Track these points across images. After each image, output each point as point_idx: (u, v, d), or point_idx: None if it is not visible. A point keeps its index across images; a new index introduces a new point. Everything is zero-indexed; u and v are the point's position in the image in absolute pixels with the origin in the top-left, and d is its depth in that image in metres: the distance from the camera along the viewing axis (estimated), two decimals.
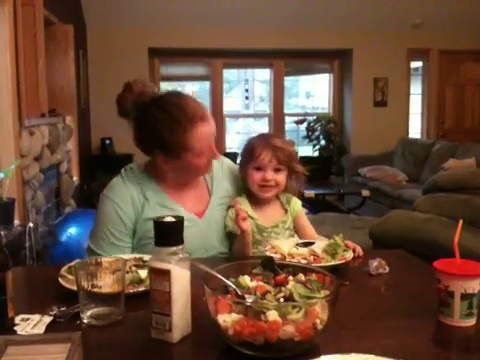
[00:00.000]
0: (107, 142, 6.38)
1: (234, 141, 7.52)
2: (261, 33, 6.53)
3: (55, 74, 4.53)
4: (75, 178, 5.25)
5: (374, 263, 1.38)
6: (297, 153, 1.74)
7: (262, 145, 1.65)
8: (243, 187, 1.73)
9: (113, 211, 1.57)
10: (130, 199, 1.57)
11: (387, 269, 1.39)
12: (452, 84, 7.38)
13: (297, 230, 1.72)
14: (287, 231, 1.68)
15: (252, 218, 1.65)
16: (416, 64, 7.56)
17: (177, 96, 1.57)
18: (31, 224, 3.16)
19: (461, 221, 1.13)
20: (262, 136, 1.72)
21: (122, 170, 1.66)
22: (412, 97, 7.50)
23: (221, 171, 1.76)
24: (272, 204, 1.72)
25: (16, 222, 3.23)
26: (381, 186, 5.98)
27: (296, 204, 1.74)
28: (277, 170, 1.65)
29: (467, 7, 6.46)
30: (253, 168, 1.66)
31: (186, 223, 1.54)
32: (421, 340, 1.01)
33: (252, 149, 1.66)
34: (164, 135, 1.50)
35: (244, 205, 1.66)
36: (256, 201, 1.70)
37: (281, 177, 1.67)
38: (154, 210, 1.54)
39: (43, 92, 3.90)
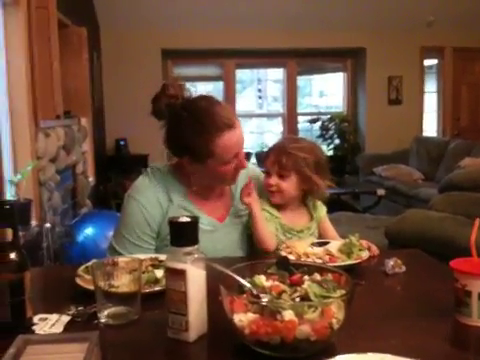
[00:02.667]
0: (122, 143, 6.42)
1: (247, 141, 7.52)
2: (274, 33, 6.52)
3: (69, 76, 4.57)
4: (91, 179, 5.29)
5: (390, 262, 1.38)
6: (319, 161, 1.62)
7: (273, 148, 1.64)
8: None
9: (139, 212, 1.56)
10: (156, 201, 1.57)
11: (403, 268, 1.38)
12: (467, 82, 7.31)
13: (319, 233, 1.70)
14: (312, 237, 1.65)
15: (275, 216, 1.64)
16: (430, 62, 7.49)
17: (206, 101, 1.53)
18: (48, 225, 3.19)
19: (478, 220, 1.12)
20: (283, 139, 1.70)
21: (148, 169, 1.65)
22: (427, 95, 7.43)
23: (246, 178, 1.72)
24: (298, 209, 1.69)
25: (33, 223, 3.26)
26: (396, 185, 5.94)
27: (321, 210, 1.72)
28: (282, 176, 1.61)
29: None
30: (263, 171, 1.67)
31: (207, 227, 1.57)
32: (438, 340, 1.00)
33: (268, 149, 1.67)
34: (191, 140, 1.49)
35: (265, 205, 1.64)
36: (282, 204, 1.66)
37: (286, 184, 1.61)
38: (177, 212, 1.53)
39: (58, 94, 3.93)
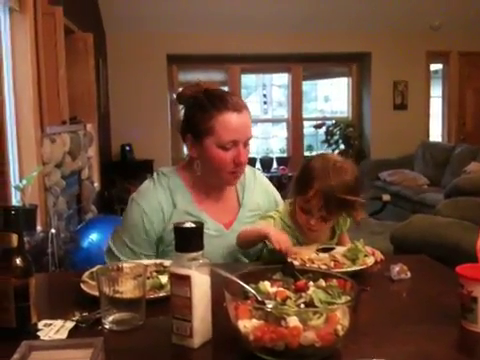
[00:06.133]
0: (127, 148, 6.44)
1: (252, 146, 7.50)
2: (278, 38, 6.54)
3: (75, 82, 4.59)
4: (96, 184, 5.30)
5: (396, 268, 1.37)
6: (360, 189, 1.51)
7: (319, 186, 1.45)
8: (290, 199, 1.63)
9: (139, 218, 1.57)
10: (159, 207, 1.57)
11: (409, 274, 1.37)
12: (473, 87, 7.28)
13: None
14: (317, 243, 1.58)
15: (294, 230, 1.58)
16: (436, 67, 7.48)
17: (224, 90, 1.65)
18: (53, 230, 3.20)
19: None
20: (326, 171, 1.47)
21: (154, 174, 1.66)
22: (432, 100, 7.42)
23: (254, 185, 1.73)
24: None
25: (38, 228, 3.27)
26: (402, 190, 5.91)
27: (346, 224, 1.65)
28: (325, 218, 1.51)
29: None
30: (300, 206, 1.52)
31: (213, 233, 1.56)
32: (444, 346, 1.00)
33: (308, 182, 1.48)
34: (197, 115, 1.55)
35: (288, 220, 1.59)
36: None
37: (327, 225, 1.55)
38: (181, 218, 1.52)
39: (64, 100, 3.95)
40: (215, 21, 6.26)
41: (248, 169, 1.76)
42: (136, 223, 1.57)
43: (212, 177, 1.60)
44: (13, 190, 3.11)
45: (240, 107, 1.55)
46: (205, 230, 1.00)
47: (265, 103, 7.70)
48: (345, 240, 1.69)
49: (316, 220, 1.51)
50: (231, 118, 1.52)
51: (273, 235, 1.42)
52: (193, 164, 1.63)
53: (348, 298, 0.96)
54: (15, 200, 3.12)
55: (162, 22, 6.19)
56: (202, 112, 1.54)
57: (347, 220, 1.65)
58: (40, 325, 1.06)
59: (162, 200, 1.58)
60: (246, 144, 1.57)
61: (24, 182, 3.06)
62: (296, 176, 1.58)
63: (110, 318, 1.07)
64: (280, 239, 1.40)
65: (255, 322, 0.91)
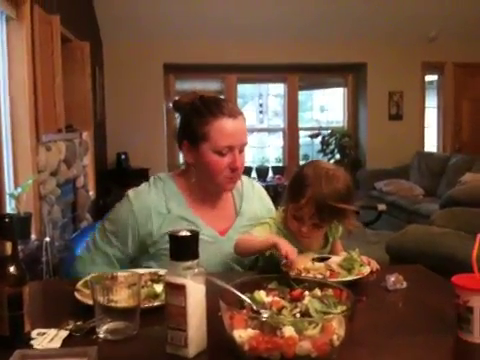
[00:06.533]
0: (123, 157, 6.43)
1: (248, 155, 7.52)
2: (275, 48, 6.57)
3: (72, 90, 4.59)
4: (91, 193, 5.29)
5: (391, 278, 1.37)
6: (352, 197, 1.51)
7: (312, 194, 1.44)
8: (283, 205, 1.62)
9: (126, 215, 1.59)
10: (149, 210, 1.58)
11: (405, 284, 1.37)
12: (468, 97, 7.33)
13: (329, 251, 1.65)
14: (312, 253, 1.56)
15: (289, 238, 1.56)
16: (431, 77, 7.53)
17: (222, 98, 1.68)
18: (48, 238, 3.18)
19: (479, 235, 1.12)
20: (318, 179, 1.46)
21: (151, 178, 1.67)
22: (427, 110, 7.46)
23: (252, 194, 1.74)
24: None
25: (33, 236, 3.25)
26: (397, 200, 5.93)
27: (338, 231, 1.65)
28: (318, 225, 1.51)
29: None
30: (292, 214, 1.52)
31: (207, 239, 1.55)
32: (440, 357, 0.99)
33: (300, 189, 1.47)
34: (193, 120, 1.57)
35: (282, 227, 1.58)
36: None
37: (320, 232, 1.55)
38: (175, 223, 1.53)
39: (60, 108, 3.95)
40: (212, 31, 6.29)
41: (246, 179, 1.76)
42: (122, 218, 1.59)
43: (208, 183, 1.61)
44: (8, 198, 3.09)
45: (235, 113, 1.56)
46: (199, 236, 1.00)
47: (261, 112, 7.73)
48: (338, 248, 1.68)
49: (308, 227, 1.51)
50: (227, 124, 1.53)
51: (281, 243, 1.41)
52: (189, 171, 1.63)
53: (344, 308, 0.96)
54: (10, 208, 3.10)
55: (159, 31, 6.22)
56: (198, 118, 1.55)
57: (339, 227, 1.65)
58: (34, 334, 1.05)
59: (155, 204, 1.59)
60: (241, 150, 1.57)
61: (19, 190, 3.05)
62: (289, 184, 1.58)
63: (104, 327, 1.06)
64: (289, 250, 1.39)
65: (250, 332, 0.90)
